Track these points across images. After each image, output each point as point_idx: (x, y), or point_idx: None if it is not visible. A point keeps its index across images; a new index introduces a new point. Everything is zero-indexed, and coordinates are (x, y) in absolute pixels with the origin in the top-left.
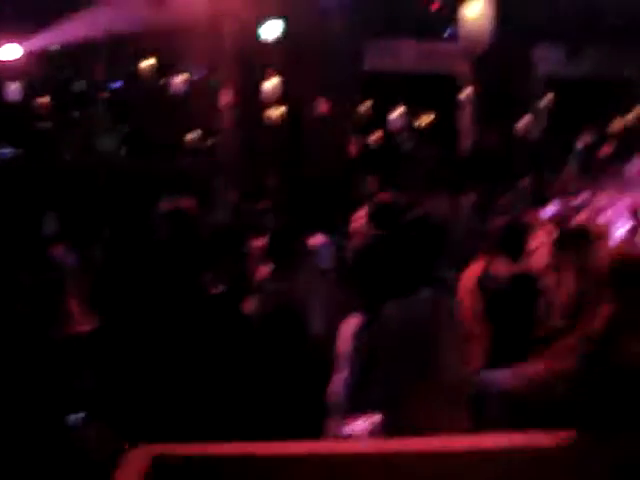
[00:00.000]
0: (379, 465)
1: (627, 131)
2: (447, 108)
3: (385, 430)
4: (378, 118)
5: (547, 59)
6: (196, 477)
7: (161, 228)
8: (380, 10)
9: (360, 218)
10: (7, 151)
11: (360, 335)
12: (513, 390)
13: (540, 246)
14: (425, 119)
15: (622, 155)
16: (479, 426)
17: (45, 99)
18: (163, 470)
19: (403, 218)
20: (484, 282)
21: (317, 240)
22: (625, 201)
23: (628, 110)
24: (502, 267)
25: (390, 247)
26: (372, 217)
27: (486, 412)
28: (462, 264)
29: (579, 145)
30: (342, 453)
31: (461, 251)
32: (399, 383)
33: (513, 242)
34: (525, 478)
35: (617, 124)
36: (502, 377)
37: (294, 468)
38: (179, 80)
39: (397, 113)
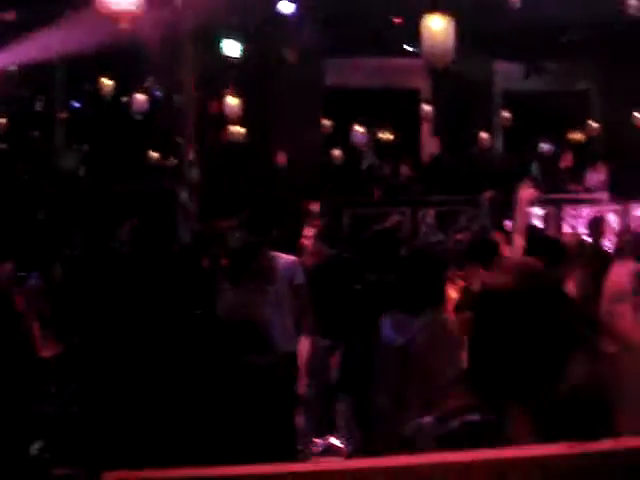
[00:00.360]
0: None
1: (584, 143)
2: (408, 123)
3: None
4: (340, 135)
5: (506, 75)
6: None
7: (123, 247)
8: (341, 27)
9: (309, 235)
10: None
11: None
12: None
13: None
14: (386, 134)
15: (581, 166)
16: None
17: (2, 119)
18: None
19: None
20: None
21: (286, 257)
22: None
23: (584, 122)
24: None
25: (346, 266)
26: (321, 236)
27: None
28: None
29: (537, 158)
30: (305, 472)
31: None
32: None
33: (487, 256)
34: None
35: (574, 136)
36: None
37: None
38: (140, 99)
39: (359, 129)
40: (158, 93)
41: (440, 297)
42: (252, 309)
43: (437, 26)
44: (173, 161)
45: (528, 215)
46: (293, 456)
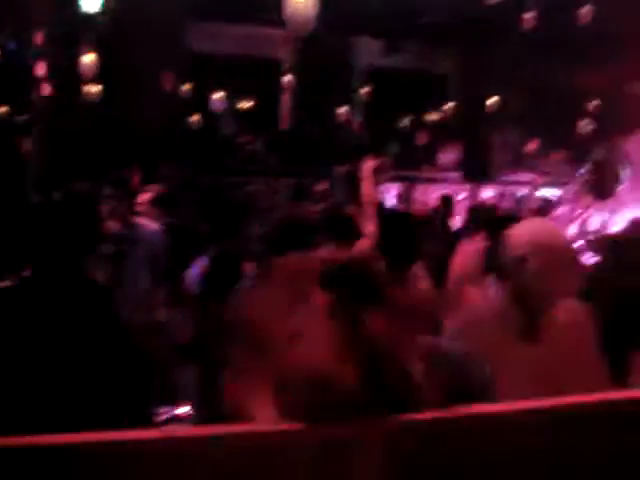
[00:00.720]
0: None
1: (441, 123)
2: (269, 93)
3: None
4: (199, 100)
5: (367, 51)
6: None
7: None
8: None
9: (144, 202)
10: None
11: None
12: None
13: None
14: (246, 103)
15: (436, 146)
16: None
17: None
18: None
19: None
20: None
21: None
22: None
23: (442, 103)
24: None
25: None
26: (155, 202)
27: None
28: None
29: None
30: (145, 439)
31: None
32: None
33: (341, 230)
34: None
35: (431, 116)
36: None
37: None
38: None
39: (218, 96)
40: (12, 45)
41: None
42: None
43: None
44: (25, 117)
45: (373, 185)
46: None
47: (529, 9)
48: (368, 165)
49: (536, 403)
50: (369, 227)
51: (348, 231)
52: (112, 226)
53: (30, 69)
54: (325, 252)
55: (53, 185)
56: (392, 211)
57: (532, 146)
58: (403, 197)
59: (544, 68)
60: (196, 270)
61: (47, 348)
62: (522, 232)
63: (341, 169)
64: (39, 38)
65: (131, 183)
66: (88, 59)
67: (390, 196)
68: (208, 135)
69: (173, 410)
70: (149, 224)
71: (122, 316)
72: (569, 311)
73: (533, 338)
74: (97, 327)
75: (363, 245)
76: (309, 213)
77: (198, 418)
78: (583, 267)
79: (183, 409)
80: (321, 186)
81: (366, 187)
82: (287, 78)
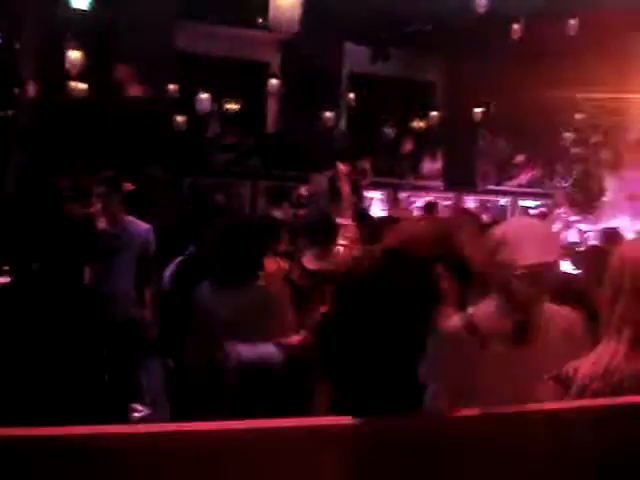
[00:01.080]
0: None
1: (425, 131)
2: (255, 96)
3: None
4: (186, 101)
5: (353, 57)
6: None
7: None
8: None
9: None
10: None
11: None
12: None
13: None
14: (232, 105)
15: (420, 154)
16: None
17: None
18: None
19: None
20: (294, 276)
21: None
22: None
23: (427, 111)
24: (310, 262)
25: None
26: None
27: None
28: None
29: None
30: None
31: None
32: None
33: (324, 236)
34: None
35: (416, 124)
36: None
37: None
38: None
39: (204, 97)
40: None
41: (258, 269)
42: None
43: None
44: (11, 112)
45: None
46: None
47: (516, 20)
48: (341, 169)
49: None
50: (348, 231)
51: (328, 235)
52: (102, 224)
53: (16, 65)
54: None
55: (35, 182)
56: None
57: (517, 157)
58: (388, 202)
59: (529, 78)
60: (169, 270)
61: (30, 344)
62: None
63: (325, 173)
64: (27, 34)
65: (121, 182)
66: (74, 56)
67: (373, 202)
68: (194, 136)
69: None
70: (140, 223)
71: (106, 314)
72: (563, 317)
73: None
74: (80, 327)
75: (342, 249)
76: (295, 216)
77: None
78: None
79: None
80: (303, 190)
81: (344, 190)
82: (273, 81)
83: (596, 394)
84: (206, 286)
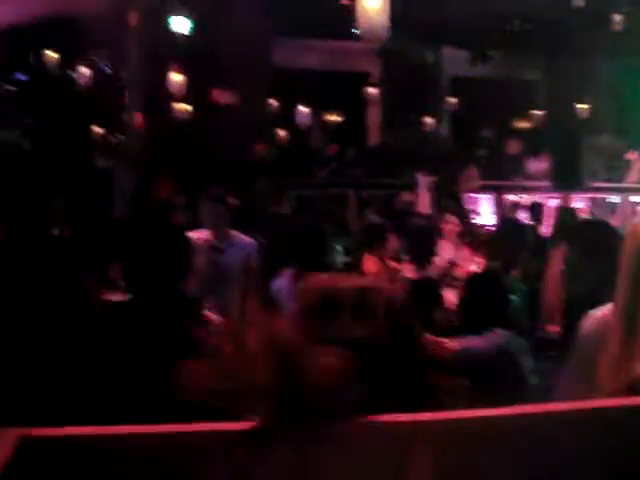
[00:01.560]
0: None
1: (529, 131)
2: (355, 106)
3: None
4: (286, 116)
5: (453, 61)
6: (66, 459)
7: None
8: (288, 9)
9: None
10: None
11: None
12: None
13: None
14: (333, 116)
15: (524, 155)
16: None
17: None
18: (29, 452)
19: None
20: None
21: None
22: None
23: (530, 111)
24: (410, 271)
25: None
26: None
27: None
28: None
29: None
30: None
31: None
32: None
33: (422, 248)
34: None
35: (520, 124)
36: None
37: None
38: (85, 73)
39: (304, 110)
40: (105, 67)
41: None
42: None
43: (371, 4)
44: (118, 138)
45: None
46: None
47: (616, 10)
48: (421, 180)
49: None
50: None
51: (427, 251)
52: (205, 236)
53: (124, 92)
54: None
55: (150, 202)
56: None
57: (628, 154)
58: (495, 205)
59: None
60: (280, 282)
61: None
62: None
63: (426, 180)
64: (131, 60)
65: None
66: (177, 79)
67: (481, 205)
68: (296, 150)
69: None
70: (244, 237)
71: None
72: None
73: None
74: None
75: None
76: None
77: None
78: None
79: None
80: (407, 197)
81: (423, 201)
82: (373, 90)
83: None
84: None
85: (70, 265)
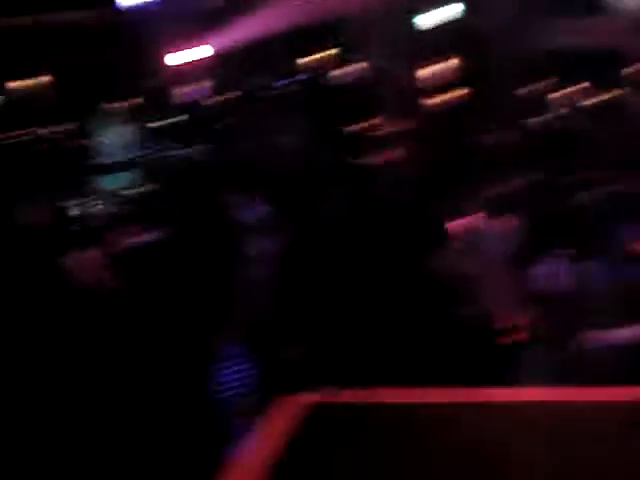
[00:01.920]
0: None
1: None
2: (615, 86)
3: None
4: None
5: None
6: (359, 424)
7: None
8: None
9: None
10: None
11: None
12: None
13: None
14: (596, 97)
15: None
16: None
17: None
18: (323, 416)
19: None
20: None
21: None
22: None
23: None
24: None
25: None
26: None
27: None
28: None
29: None
30: (509, 401)
31: None
32: None
33: None
34: None
35: None
36: None
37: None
38: (355, 69)
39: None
40: (374, 64)
41: None
42: None
43: None
44: (379, 132)
45: None
46: None
47: None
48: None
49: None
50: None
51: None
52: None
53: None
54: None
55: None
56: None
57: None
58: None
59: None
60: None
61: None
62: None
63: None
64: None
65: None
66: (450, 64)
67: None
68: (558, 133)
69: None
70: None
71: None
72: None
73: None
74: None
75: None
76: None
77: None
78: None
79: None
80: None
81: None
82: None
83: None
84: None
85: None
